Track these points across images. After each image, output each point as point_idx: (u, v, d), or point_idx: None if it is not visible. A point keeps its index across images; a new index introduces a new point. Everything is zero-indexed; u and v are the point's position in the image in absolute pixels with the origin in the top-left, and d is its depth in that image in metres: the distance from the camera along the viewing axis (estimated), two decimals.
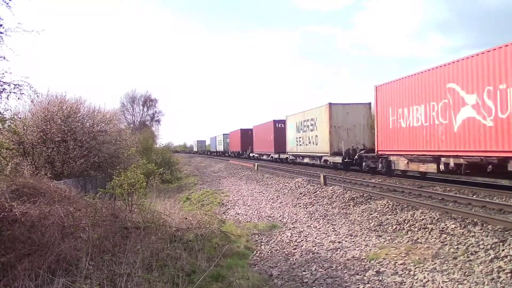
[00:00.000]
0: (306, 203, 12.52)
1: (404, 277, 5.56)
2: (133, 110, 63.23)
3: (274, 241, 8.35)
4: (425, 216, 8.59)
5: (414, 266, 5.92)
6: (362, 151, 20.69)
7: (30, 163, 13.96)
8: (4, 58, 6.64)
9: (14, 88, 7.06)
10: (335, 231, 8.64)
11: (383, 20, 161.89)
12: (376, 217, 9.51)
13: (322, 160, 24.34)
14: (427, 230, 7.78)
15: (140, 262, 5.53)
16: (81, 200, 8.18)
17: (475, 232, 7.12)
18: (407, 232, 7.98)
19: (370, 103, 22.11)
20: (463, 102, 12.70)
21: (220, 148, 64.00)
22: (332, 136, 22.61)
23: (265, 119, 40.10)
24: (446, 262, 5.96)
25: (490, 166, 11.81)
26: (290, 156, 31.45)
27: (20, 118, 13.58)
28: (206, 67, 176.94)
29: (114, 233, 6.40)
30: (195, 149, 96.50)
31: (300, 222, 9.96)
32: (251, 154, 44.18)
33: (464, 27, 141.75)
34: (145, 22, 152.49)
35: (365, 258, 6.53)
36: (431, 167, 14.56)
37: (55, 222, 5.89)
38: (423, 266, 5.90)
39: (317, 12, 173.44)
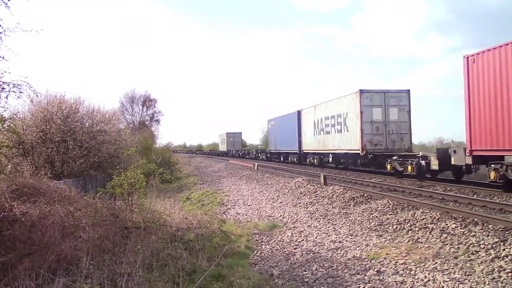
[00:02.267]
0: (307, 203, 12.52)
1: (405, 276, 5.55)
2: (132, 110, 62.95)
3: (274, 240, 8.34)
4: (425, 215, 8.59)
5: (415, 265, 5.91)
6: None
7: (30, 163, 13.95)
8: (3, 58, 6.64)
9: (13, 87, 7.06)
10: (336, 230, 8.63)
11: (382, 20, 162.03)
12: (377, 216, 9.51)
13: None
14: (427, 229, 7.77)
15: (141, 262, 5.52)
16: (81, 200, 8.16)
17: (475, 232, 7.12)
18: (408, 231, 7.97)
19: None
20: None
21: (331, 141, 23.74)
22: None
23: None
24: (447, 261, 5.96)
25: None
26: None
27: (19, 118, 13.59)
28: (206, 67, 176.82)
29: (114, 233, 6.38)
30: (222, 148, 62.17)
31: (300, 221, 9.95)
32: None
33: (464, 27, 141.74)
34: (145, 22, 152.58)
35: (365, 258, 6.53)
36: None
37: (55, 222, 5.87)
38: (424, 265, 5.89)
39: (317, 12, 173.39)
